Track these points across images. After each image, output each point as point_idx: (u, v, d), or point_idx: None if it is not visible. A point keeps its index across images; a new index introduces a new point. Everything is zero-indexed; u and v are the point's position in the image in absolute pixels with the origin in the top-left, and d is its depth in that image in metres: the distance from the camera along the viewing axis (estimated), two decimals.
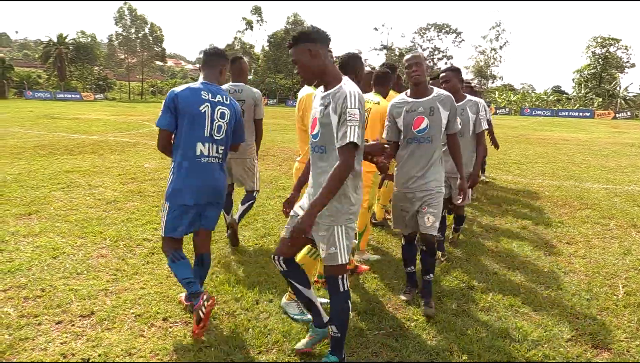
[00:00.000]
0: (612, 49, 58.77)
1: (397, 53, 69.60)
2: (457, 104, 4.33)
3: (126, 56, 68.51)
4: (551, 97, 59.43)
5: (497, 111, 50.36)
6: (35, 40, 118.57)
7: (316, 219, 2.57)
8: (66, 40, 63.61)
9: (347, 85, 2.59)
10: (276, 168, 10.25)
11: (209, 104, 3.22)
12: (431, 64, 70.80)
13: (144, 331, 3.27)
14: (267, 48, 66.91)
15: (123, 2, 67.17)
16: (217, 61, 3.39)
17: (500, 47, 67.69)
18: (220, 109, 3.27)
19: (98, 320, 3.37)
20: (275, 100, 60.66)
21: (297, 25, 65.64)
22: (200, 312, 3.05)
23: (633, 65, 60.17)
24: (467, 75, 63.27)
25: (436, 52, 72.33)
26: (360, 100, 2.54)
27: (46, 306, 3.53)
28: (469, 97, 4.66)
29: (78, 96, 55.44)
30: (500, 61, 72.02)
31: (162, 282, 4.04)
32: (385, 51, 72.32)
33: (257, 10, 67.92)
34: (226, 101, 3.34)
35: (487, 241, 5.48)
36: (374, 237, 5.56)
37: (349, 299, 2.82)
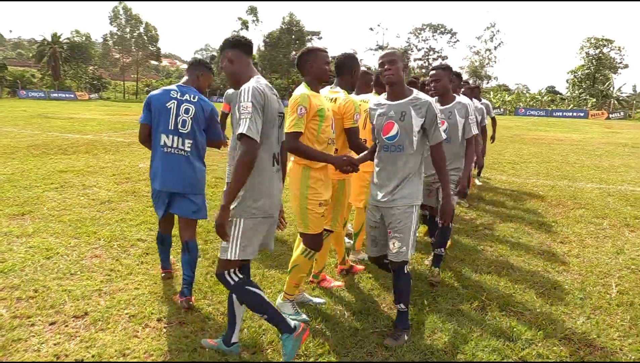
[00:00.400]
0: (605, 50, 59.06)
1: None
2: (444, 107, 4.25)
3: (121, 55, 68.24)
4: (545, 97, 59.67)
5: (493, 114, 50.57)
6: (29, 39, 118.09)
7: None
8: (60, 39, 63.25)
9: (247, 83, 2.70)
10: None
11: (175, 101, 3.60)
12: (426, 64, 70.98)
13: (138, 331, 3.26)
14: (262, 48, 66.74)
15: (118, 1, 67.01)
16: (196, 69, 3.81)
17: (495, 48, 68.00)
18: (185, 105, 3.61)
19: (92, 320, 3.36)
20: None
21: (292, 25, 65.65)
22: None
23: (626, 66, 60.51)
24: (462, 76, 63.41)
25: (431, 53, 72.53)
26: (255, 94, 2.60)
27: (39, 307, 3.51)
28: (458, 99, 4.31)
29: (72, 96, 55.18)
30: (495, 62, 72.49)
31: (157, 282, 4.03)
32: (380, 51, 72.33)
33: (252, 10, 67.74)
34: (193, 99, 3.65)
35: (481, 241, 5.50)
36: None
37: (244, 293, 2.80)
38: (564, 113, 49.03)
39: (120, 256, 4.61)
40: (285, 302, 3.57)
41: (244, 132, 2.53)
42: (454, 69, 4.91)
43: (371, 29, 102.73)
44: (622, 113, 47.98)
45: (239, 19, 67.64)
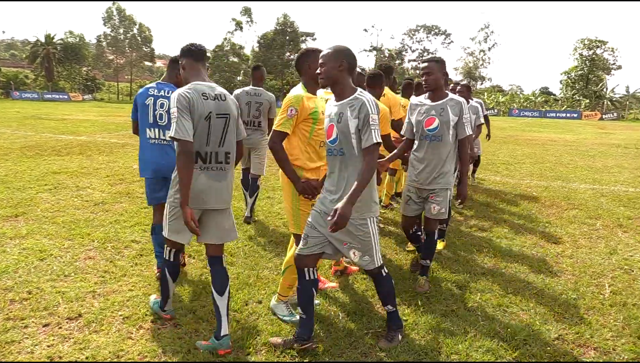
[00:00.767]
0: (598, 51, 59.50)
1: (387, 54, 69.87)
2: (436, 103, 3.94)
3: (115, 56, 67.98)
4: (539, 98, 60.01)
5: (487, 112, 50.74)
6: (23, 40, 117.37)
7: None
8: (54, 40, 62.90)
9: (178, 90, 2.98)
10: (267, 169, 10.19)
11: (152, 97, 3.97)
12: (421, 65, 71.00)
13: (132, 333, 3.25)
14: (257, 49, 66.67)
15: (111, 2, 66.68)
16: (174, 67, 4.00)
17: (489, 49, 68.35)
18: (160, 100, 3.97)
19: (85, 322, 3.35)
20: None
21: (286, 26, 65.61)
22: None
23: (619, 67, 61.04)
24: (456, 76, 63.64)
25: (425, 54, 72.68)
26: (179, 99, 2.88)
27: (33, 309, 3.49)
28: (451, 95, 3.98)
29: (66, 97, 54.88)
30: (489, 63, 72.76)
31: (151, 284, 4.02)
32: (374, 52, 72.58)
33: (246, 11, 67.66)
34: (167, 94, 3.97)
35: (475, 242, 5.52)
36: None
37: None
38: (558, 114, 49.32)
39: (114, 258, 4.59)
40: (280, 303, 3.57)
41: (173, 135, 2.84)
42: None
43: (365, 30, 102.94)
44: (615, 114, 48.39)
45: (233, 19, 67.61)
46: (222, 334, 3.02)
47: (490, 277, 4.46)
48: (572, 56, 60.86)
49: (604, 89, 56.73)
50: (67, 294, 3.75)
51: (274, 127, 3.28)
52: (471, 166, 8.91)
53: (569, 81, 60.04)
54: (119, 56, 67.83)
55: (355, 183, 2.78)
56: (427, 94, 4.06)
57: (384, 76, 5.15)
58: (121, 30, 66.14)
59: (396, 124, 5.36)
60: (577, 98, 57.05)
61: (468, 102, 7.91)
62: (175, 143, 2.96)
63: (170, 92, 3.95)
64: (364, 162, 2.84)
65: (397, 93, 6.47)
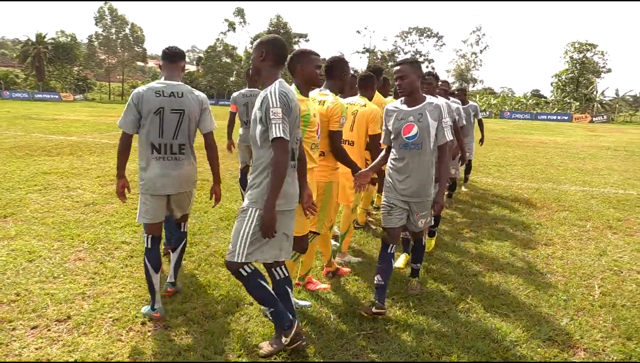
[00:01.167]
0: (589, 55, 60.03)
1: (379, 56, 70.07)
2: (413, 108, 3.61)
3: (106, 56, 67.61)
4: (530, 100, 60.44)
5: (480, 116, 51.12)
6: (13, 39, 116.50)
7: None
8: (45, 39, 62.42)
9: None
10: None
11: None
12: None
13: (122, 335, 3.22)
14: (250, 50, 66.59)
15: (103, 2, 66.31)
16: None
17: (481, 51, 68.75)
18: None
19: (75, 324, 3.31)
20: None
21: (279, 27, 65.60)
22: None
23: (609, 70, 61.57)
24: (448, 79, 63.93)
25: (418, 56, 72.97)
26: (132, 95, 3.33)
27: (21, 311, 3.45)
28: (429, 99, 3.63)
29: (57, 97, 54.48)
30: (481, 65, 73.14)
31: (141, 286, 3.99)
32: (367, 54, 72.74)
33: (239, 12, 67.66)
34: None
35: (466, 243, 5.53)
36: (355, 239, 5.57)
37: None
38: (549, 116, 49.73)
39: (105, 259, 4.55)
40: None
41: (118, 124, 3.34)
42: (435, 72, 4.73)
43: (358, 31, 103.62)
44: (605, 117, 48.94)
45: (226, 20, 67.60)
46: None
47: (481, 278, 4.47)
48: (563, 59, 61.42)
49: (594, 92, 57.25)
50: (56, 296, 3.71)
51: None
52: (463, 168, 8.89)
53: (560, 84, 60.51)
54: (111, 56, 67.52)
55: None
56: (402, 99, 3.73)
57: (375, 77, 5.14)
58: (113, 30, 65.87)
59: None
60: (568, 101, 57.52)
61: (466, 105, 7.96)
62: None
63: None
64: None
65: (389, 95, 6.48)
